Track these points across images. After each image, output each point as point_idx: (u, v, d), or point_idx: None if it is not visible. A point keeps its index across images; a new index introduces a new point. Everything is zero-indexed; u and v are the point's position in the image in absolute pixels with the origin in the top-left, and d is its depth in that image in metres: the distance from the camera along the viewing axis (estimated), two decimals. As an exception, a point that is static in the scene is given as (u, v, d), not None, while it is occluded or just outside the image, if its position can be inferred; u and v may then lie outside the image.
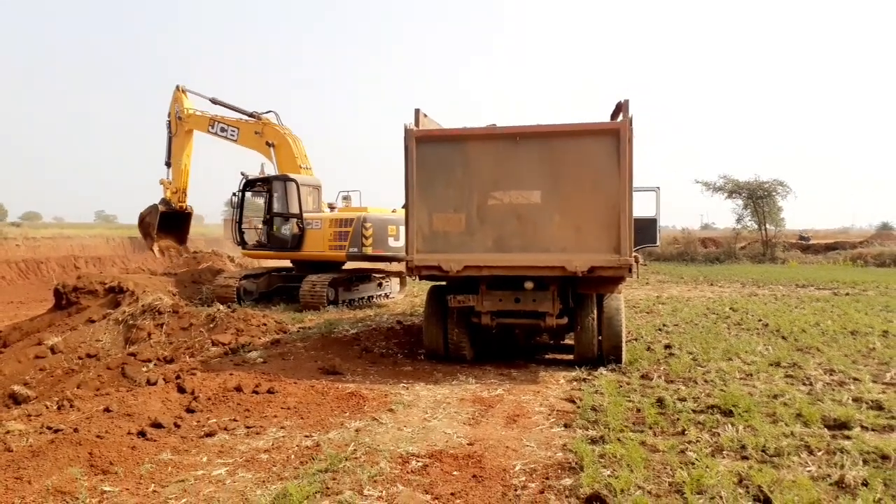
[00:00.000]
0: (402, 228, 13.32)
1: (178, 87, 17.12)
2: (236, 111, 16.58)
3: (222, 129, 16.55)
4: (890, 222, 58.31)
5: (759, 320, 11.38)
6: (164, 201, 16.95)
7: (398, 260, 14.01)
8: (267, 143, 15.88)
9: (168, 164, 17.36)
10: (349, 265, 14.93)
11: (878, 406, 5.89)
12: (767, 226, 34.87)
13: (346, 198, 15.27)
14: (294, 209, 14.62)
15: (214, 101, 16.76)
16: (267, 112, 16.18)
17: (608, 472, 4.33)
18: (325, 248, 14.10)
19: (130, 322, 11.24)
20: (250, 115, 16.33)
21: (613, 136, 7.22)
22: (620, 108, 7.49)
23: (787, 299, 14.98)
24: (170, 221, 16.64)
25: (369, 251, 13.42)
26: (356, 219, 13.63)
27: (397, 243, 13.81)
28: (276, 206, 14.89)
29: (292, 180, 14.73)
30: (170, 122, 17.18)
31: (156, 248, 17.11)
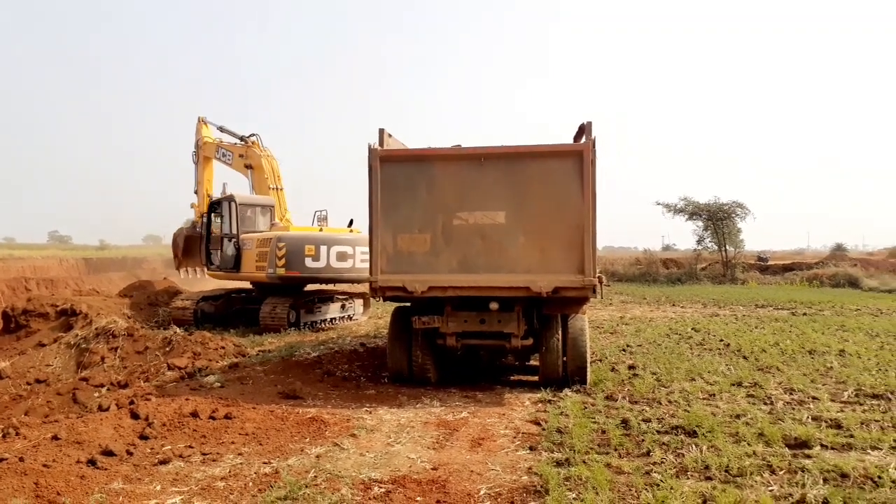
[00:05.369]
0: (324, 248, 13.19)
1: (199, 119, 17.55)
2: (234, 136, 16.77)
3: (223, 154, 16.71)
4: (843, 243, 60.28)
5: (721, 340, 11.54)
6: (193, 224, 17.47)
7: (318, 281, 13.75)
8: (246, 166, 16.01)
9: (196, 192, 17.85)
10: (310, 286, 14.68)
11: (837, 425, 5.97)
12: (727, 247, 35.64)
13: (322, 218, 15.04)
14: (234, 229, 14.48)
15: (221, 129, 16.99)
16: (251, 135, 16.18)
17: (574, 496, 4.28)
18: (253, 268, 13.78)
19: (83, 346, 10.87)
20: (241, 139, 16.39)
21: (577, 157, 7.28)
22: (583, 129, 7.56)
23: (747, 319, 15.25)
24: (195, 244, 17.05)
25: (282, 272, 12.88)
26: (273, 238, 13.20)
27: (316, 263, 13.20)
28: (224, 227, 14.80)
29: (232, 200, 14.60)
30: (195, 152, 17.61)
31: (182, 270, 17.65)
